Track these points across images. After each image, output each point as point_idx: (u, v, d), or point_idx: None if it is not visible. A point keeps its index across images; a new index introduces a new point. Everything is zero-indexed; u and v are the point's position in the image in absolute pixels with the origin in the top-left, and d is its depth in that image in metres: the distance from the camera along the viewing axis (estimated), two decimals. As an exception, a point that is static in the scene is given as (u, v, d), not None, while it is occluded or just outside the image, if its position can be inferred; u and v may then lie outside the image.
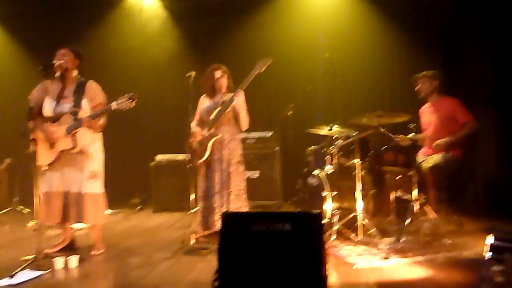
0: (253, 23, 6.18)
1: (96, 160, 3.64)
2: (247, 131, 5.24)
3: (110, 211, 5.72)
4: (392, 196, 4.02)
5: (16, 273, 2.96)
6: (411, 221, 3.62)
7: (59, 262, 3.20)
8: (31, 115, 3.50)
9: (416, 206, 3.66)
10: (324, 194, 3.87)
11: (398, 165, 3.77)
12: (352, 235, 3.64)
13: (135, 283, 2.86)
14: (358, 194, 3.63)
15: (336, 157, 4.11)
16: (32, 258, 3.19)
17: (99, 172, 3.65)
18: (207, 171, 3.89)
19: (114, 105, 3.39)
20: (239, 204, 3.80)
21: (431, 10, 5.65)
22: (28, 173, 3.74)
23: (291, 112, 4.86)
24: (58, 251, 3.62)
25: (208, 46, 6.12)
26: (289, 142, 5.64)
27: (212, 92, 3.99)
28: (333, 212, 3.81)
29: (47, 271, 3.10)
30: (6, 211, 5.84)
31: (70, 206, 3.51)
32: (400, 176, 3.91)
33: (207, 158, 3.83)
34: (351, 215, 3.68)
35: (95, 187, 3.59)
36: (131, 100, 3.36)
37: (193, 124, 4.03)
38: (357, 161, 3.69)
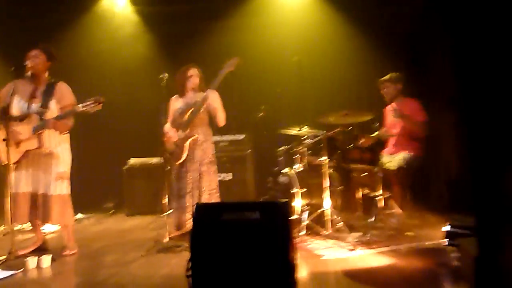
0: (224, 28, 6.30)
1: (63, 162, 3.65)
2: (220, 134, 5.37)
3: (82, 215, 5.70)
4: (359, 192, 4.18)
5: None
6: (377, 216, 3.79)
7: (31, 261, 3.20)
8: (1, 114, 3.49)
9: (382, 202, 3.83)
10: (293, 191, 4.00)
11: (364, 163, 3.95)
12: (321, 230, 3.78)
13: (108, 280, 2.90)
14: (326, 191, 3.78)
15: (305, 156, 4.25)
16: (4, 258, 3.19)
17: (66, 173, 3.66)
18: (180, 171, 3.96)
19: (80, 107, 3.42)
20: (212, 203, 3.89)
21: (394, 16, 5.90)
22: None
23: (262, 114, 4.99)
24: (30, 252, 3.60)
25: (180, 50, 6.19)
26: (261, 144, 5.76)
27: (184, 91, 4.07)
28: (303, 208, 3.94)
29: (20, 270, 3.10)
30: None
31: (38, 206, 3.52)
32: (366, 173, 4.08)
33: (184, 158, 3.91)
34: (319, 211, 3.82)
35: (62, 189, 3.60)
36: (97, 103, 3.40)
37: (167, 126, 4.10)
38: (325, 159, 3.84)
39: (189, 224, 3.73)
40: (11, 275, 3.01)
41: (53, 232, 4.50)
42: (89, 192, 5.93)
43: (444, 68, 5.45)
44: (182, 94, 4.09)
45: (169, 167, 4.08)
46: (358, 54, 6.00)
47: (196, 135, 3.92)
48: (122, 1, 6.54)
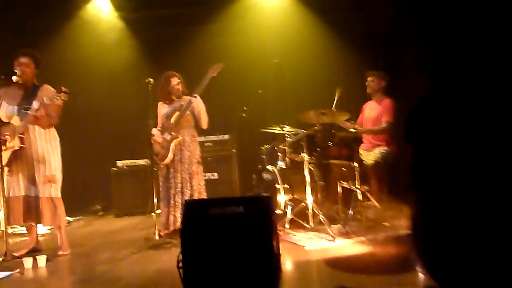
0: (207, 32, 6.45)
1: (52, 165, 3.77)
2: (205, 135, 5.53)
3: (71, 218, 5.79)
4: (339, 186, 4.40)
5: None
6: (355, 208, 4.02)
7: (27, 261, 3.32)
8: None
9: (360, 196, 4.05)
10: (277, 187, 4.21)
11: (342, 158, 4.18)
12: (304, 223, 3.99)
13: (102, 276, 3.07)
14: (308, 186, 3.99)
15: (287, 153, 4.47)
16: (0, 260, 3.32)
17: (55, 176, 3.77)
18: (168, 172, 4.14)
19: (46, 99, 3.53)
20: (200, 201, 4.07)
21: (372, 18, 6.13)
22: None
23: (245, 114, 5.17)
24: (25, 254, 3.71)
25: (164, 55, 6.33)
26: (245, 143, 5.96)
27: (169, 98, 4.26)
28: (286, 203, 4.15)
29: (16, 270, 3.22)
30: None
31: (31, 209, 3.68)
32: (345, 168, 4.30)
33: (170, 159, 4.08)
34: (302, 205, 4.04)
35: (52, 191, 3.73)
36: (60, 93, 3.48)
37: (155, 130, 4.25)
38: (305, 156, 4.05)
39: (179, 222, 3.89)
40: (9, 275, 3.14)
41: (42, 235, 4.61)
42: (77, 195, 6.03)
43: (420, 68, 5.69)
44: (169, 101, 4.28)
45: (155, 168, 4.26)
46: (337, 55, 6.21)
47: (180, 136, 4.11)
48: (107, 7, 6.66)
